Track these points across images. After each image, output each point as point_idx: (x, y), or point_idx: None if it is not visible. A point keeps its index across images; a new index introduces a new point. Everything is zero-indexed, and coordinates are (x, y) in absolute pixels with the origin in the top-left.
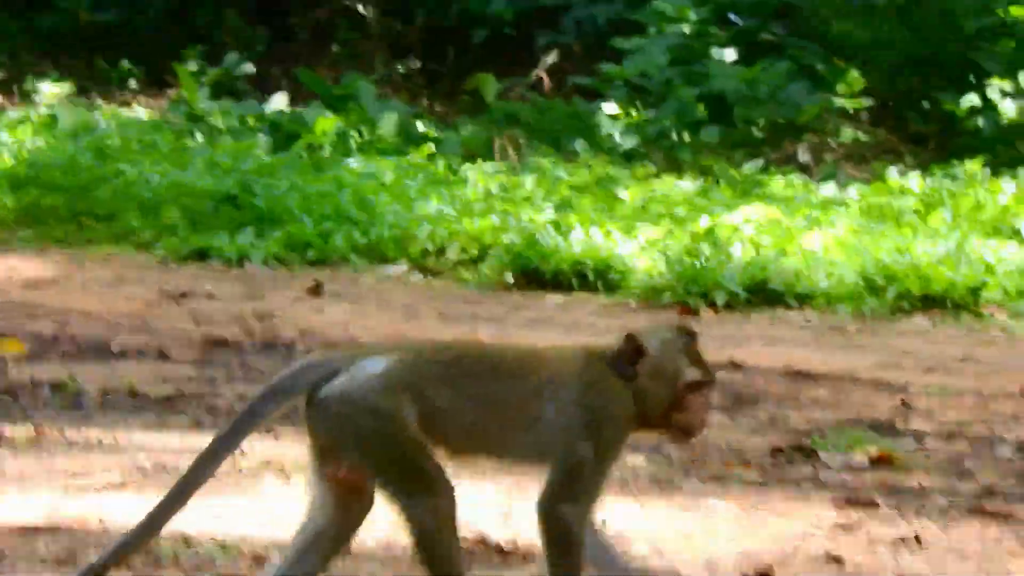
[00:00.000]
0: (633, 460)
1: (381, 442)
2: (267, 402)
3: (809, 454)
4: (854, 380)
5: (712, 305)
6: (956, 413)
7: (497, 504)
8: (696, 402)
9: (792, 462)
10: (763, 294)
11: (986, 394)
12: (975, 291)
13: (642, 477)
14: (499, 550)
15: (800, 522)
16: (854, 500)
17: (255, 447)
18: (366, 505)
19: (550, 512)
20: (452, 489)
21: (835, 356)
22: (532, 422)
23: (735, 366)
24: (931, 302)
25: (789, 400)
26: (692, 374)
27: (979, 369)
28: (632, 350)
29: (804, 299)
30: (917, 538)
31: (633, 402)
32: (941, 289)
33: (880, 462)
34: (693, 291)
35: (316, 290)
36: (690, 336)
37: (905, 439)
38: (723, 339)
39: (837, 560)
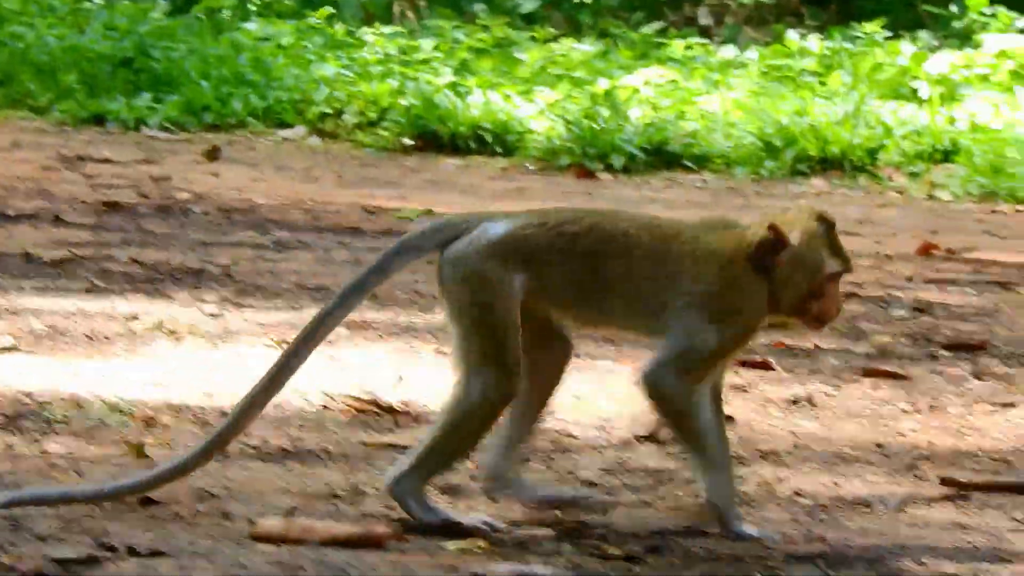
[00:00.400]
0: None
1: (477, 306)
2: (396, 258)
3: None
4: None
5: (610, 167)
6: (852, 274)
7: (391, 367)
8: (833, 290)
9: None
10: (661, 156)
11: (882, 255)
12: (873, 153)
13: None
14: (391, 411)
15: None
16: (748, 361)
17: (148, 309)
18: (553, 359)
19: (651, 382)
20: (516, 385)
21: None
22: (658, 303)
23: None
24: (829, 164)
25: None
26: (834, 265)
27: (876, 230)
28: (773, 241)
29: (702, 161)
30: (810, 399)
31: (768, 292)
32: (839, 151)
33: (774, 323)
34: (591, 153)
35: (213, 154)
36: (829, 224)
37: None
38: (621, 201)
39: (729, 419)
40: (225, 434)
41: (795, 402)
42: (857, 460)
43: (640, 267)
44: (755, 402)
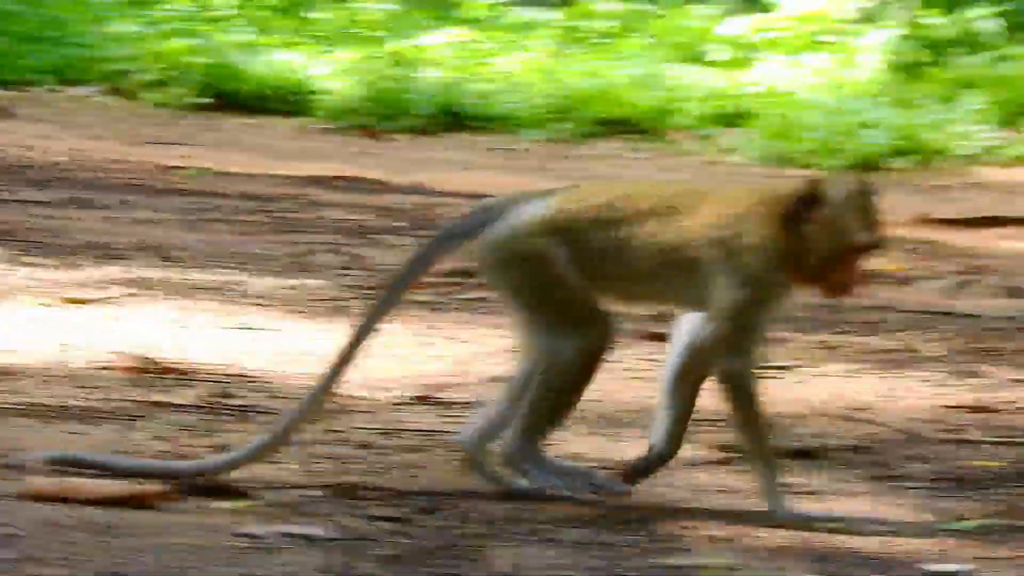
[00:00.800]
0: (311, 281)
1: (532, 284)
2: (438, 245)
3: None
4: None
5: (402, 129)
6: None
7: (170, 325)
8: (856, 263)
9: (465, 286)
10: (453, 117)
11: None
12: (664, 115)
13: (319, 299)
14: (169, 370)
15: (472, 345)
16: None
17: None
18: None
19: (724, 372)
20: (605, 332)
21: (523, 180)
22: (690, 268)
23: (420, 189)
24: (621, 126)
25: None
26: (863, 236)
27: None
28: (810, 195)
29: (494, 122)
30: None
31: (794, 251)
32: (631, 113)
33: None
34: (383, 114)
35: (3, 111)
36: (872, 193)
37: None
38: (411, 162)
39: (504, 380)
40: (292, 425)
41: None
42: (631, 423)
43: (673, 230)
44: None
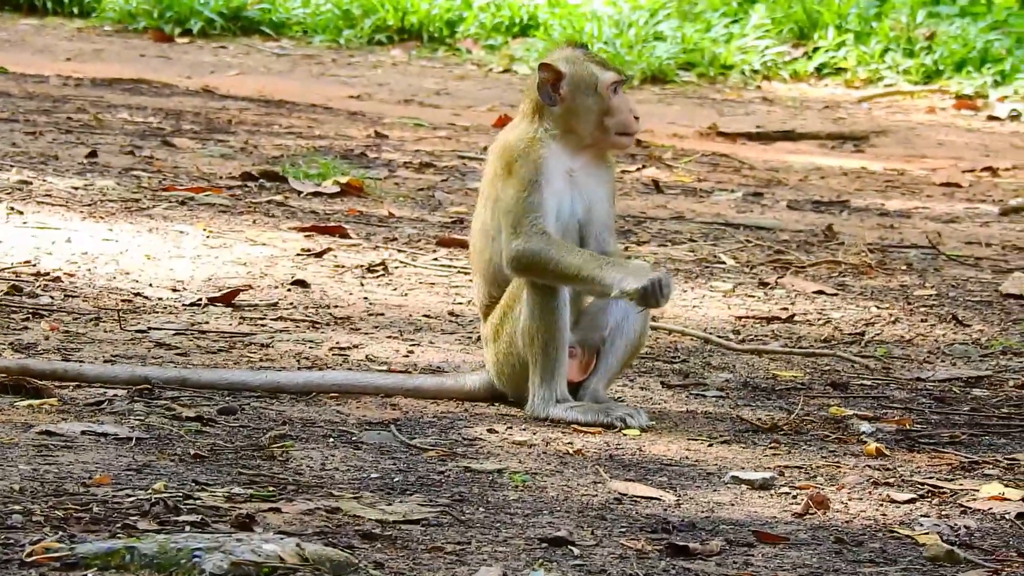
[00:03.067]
0: (102, 182)
1: None
2: None
3: (280, 181)
4: (328, 110)
5: (188, 32)
6: (429, 144)
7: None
8: (620, 101)
9: (263, 188)
10: (239, 22)
11: (459, 126)
12: (452, 24)
13: (111, 200)
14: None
15: (268, 248)
16: (323, 228)
17: None
18: None
19: (509, 261)
20: None
21: (310, 86)
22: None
23: (209, 93)
24: (408, 34)
25: (262, 128)
26: (609, 75)
27: (454, 102)
28: (551, 76)
29: (280, 28)
30: (384, 265)
31: (563, 126)
32: (418, 21)
33: (351, 191)
34: (168, 17)
35: None
36: (584, 47)
37: (377, 169)
38: (197, 66)
39: (303, 284)
40: None
41: (370, 269)
42: (430, 328)
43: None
44: (330, 268)
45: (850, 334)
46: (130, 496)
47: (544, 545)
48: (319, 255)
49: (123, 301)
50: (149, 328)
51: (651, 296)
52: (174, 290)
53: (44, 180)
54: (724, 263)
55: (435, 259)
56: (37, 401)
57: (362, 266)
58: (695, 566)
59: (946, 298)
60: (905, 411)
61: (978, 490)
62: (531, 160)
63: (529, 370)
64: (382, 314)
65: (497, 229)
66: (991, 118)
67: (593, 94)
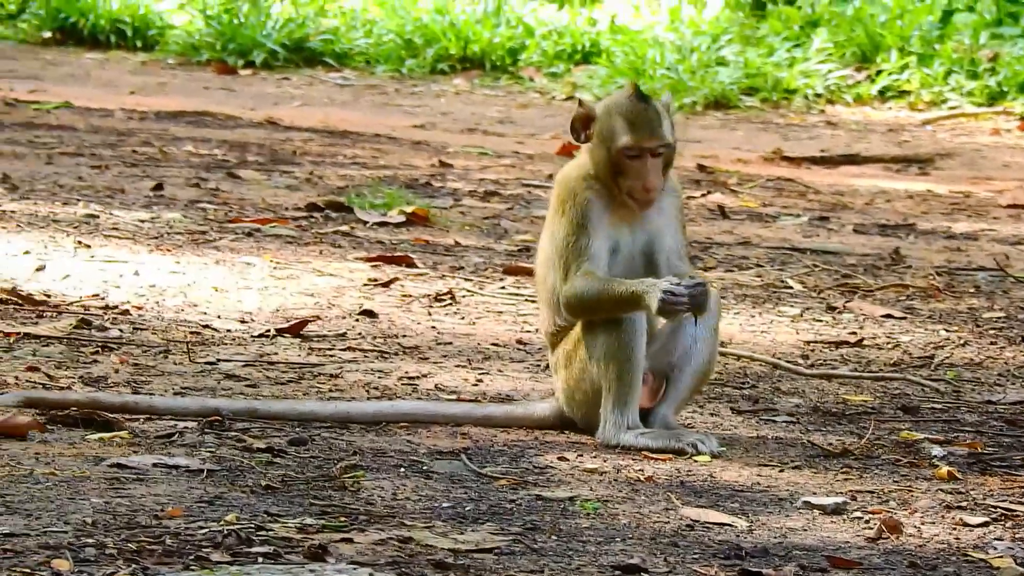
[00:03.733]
0: (169, 215)
1: None
2: None
3: (346, 211)
4: (392, 140)
5: (251, 64)
6: (494, 173)
7: (27, 258)
8: (636, 166)
9: (329, 219)
10: (301, 53)
11: (524, 155)
12: (514, 52)
13: (177, 232)
14: (32, 302)
15: (335, 278)
16: (389, 257)
17: None
18: None
19: (563, 306)
20: None
21: (373, 116)
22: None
23: (273, 124)
24: (470, 63)
25: (327, 158)
26: (625, 140)
27: (517, 130)
28: (581, 115)
29: (343, 59)
30: (451, 293)
31: (593, 167)
32: (480, 50)
33: (417, 220)
34: (231, 49)
35: None
36: (640, 97)
37: (442, 198)
38: (261, 98)
39: (370, 314)
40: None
41: (437, 298)
42: (499, 356)
43: None
44: (397, 297)
45: (919, 358)
46: (202, 528)
47: (617, 573)
48: (386, 285)
49: (191, 333)
50: (218, 360)
51: (671, 304)
52: (242, 321)
53: (111, 214)
54: (791, 288)
55: (502, 287)
56: (108, 434)
57: (429, 295)
58: None
59: (1015, 320)
60: (976, 434)
61: None
62: (578, 203)
63: (601, 396)
64: (450, 343)
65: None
66: None
67: (609, 151)
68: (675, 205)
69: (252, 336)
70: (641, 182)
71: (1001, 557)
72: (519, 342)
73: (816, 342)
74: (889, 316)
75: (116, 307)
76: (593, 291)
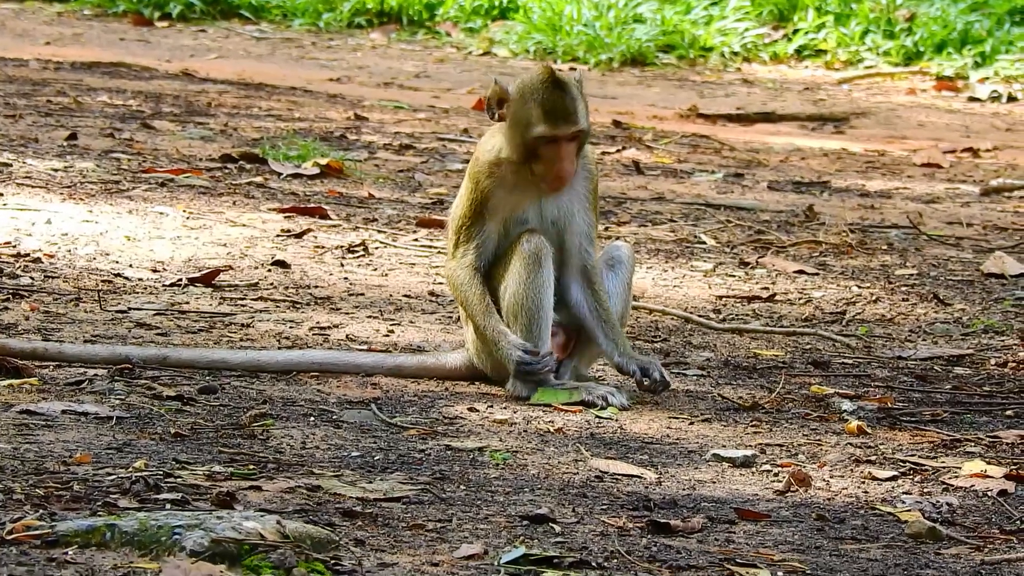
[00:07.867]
0: (82, 164)
1: None
2: None
3: (260, 163)
4: (308, 93)
5: (167, 16)
6: (409, 127)
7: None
8: (548, 153)
9: (243, 170)
10: (218, 5)
11: (438, 109)
12: (431, 7)
13: (90, 181)
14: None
15: (248, 229)
16: (303, 208)
17: None
18: None
19: (445, 275)
20: None
21: (290, 69)
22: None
23: (188, 76)
24: (387, 17)
25: (242, 110)
26: (540, 129)
27: (433, 85)
28: (496, 94)
29: (260, 12)
30: (364, 245)
31: (506, 148)
32: (397, 4)
33: (331, 172)
34: (148, 1)
35: None
36: (555, 83)
37: (357, 151)
38: (177, 50)
39: (283, 264)
40: None
41: (350, 249)
42: (411, 307)
43: None
44: (310, 248)
45: (831, 313)
46: (111, 475)
47: (525, 523)
48: (299, 236)
49: (103, 282)
50: (129, 308)
51: (523, 374)
52: (154, 271)
53: (24, 162)
54: (705, 243)
55: (415, 240)
56: (17, 381)
57: (342, 247)
58: (676, 543)
59: (927, 277)
60: (886, 389)
61: (960, 467)
62: (480, 189)
63: None
64: (362, 294)
65: None
66: (971, 99)
67: (523, 137)
68: (587, 187)
69: (164, 285)
70: (554, 167)
71: (909, 511)
72: (431, 294)
73: (728, 297)
74: (801, 272)
75: (28, 255)
76: (469, 300)
